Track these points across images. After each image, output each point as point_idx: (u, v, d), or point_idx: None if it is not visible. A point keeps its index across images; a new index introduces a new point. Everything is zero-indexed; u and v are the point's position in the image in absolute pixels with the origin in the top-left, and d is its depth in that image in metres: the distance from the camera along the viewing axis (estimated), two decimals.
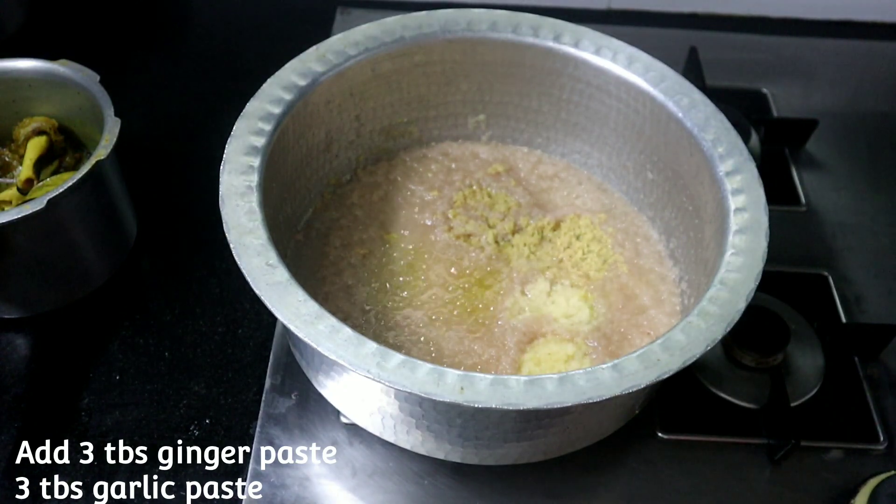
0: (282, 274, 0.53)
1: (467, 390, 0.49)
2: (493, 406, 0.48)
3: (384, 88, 0.71)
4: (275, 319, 0.70)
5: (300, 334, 0.50)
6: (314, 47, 0.67)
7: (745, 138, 0.64)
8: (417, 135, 0.77)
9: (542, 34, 0.70)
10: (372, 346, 0.50)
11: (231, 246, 0.54)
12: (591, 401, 0.49)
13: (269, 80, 0.64)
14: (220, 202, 0.56)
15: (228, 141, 0.60)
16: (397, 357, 0.50)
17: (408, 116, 0.75)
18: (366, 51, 0.67)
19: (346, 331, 0.51)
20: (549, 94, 0.73)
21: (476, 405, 0.48)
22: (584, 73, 0.70)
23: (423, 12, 0.70)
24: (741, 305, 0.53)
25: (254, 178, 0.58)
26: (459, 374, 0.49)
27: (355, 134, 0.73)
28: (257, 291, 0.52)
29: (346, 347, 0.50)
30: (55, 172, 0.74)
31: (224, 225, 0.55)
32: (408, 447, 0.60)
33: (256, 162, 0.59)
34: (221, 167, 0.58)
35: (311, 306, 0.52)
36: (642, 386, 0.49)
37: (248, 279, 0.52)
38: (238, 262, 0.53)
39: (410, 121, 0.75)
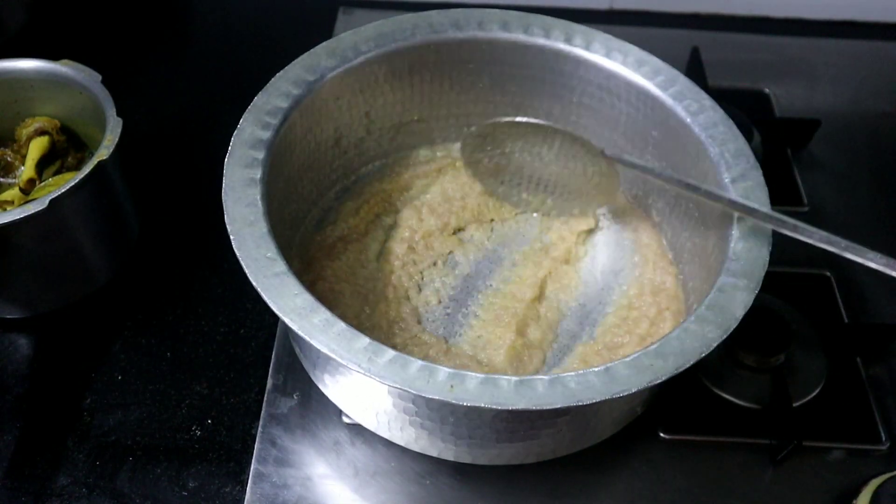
0: (280, 266, 0.53)
1: (457, 388, 0.49)
2: (482, 405, 0.48)
3: (395, 86, 0.71)
4: (276, 319, 0.71)
5: (294, 326, 0.50)
6: (325, 43, 0.67)
7: (748, 139, 0.64)
8: (428, 133, 0.76)
9: (554, 35, 0.70)
10: (364, 340, 0.50)
11: (231, 237, 0.54)
12: (580, 404, 0.49)
13: (278, 74, 0.64)
14: (223, 193, 0.56)
15: (234, 133, 0.60)
16: (389, 353, 0.50)
17: (418, 115, 0.75)
18: (377, 48, 0.68)
19: (340, 325, 0.51)
20: (559, 97, 0.73)
21: (465, 403, 0.48)
22: (595, 75, 0.70)
23: (435, 11, 0.70)
24: (739, 314, 0.53)
25: (258, 172, 0.58)
26: (450, 372, 0.49)
27: (365, 131, 0.73)
28: (254, 282, 0.52)
29: (339, 341, 0.50)
30: (57, 172, 0.74)
31: (225, 215, 0.55)
32: (402, 444, 0.60)
33: (261, 155, 0.59)
34: (226, 159, 0.58)
35: (307, 299, 0.52)
36: (633, 391, 0.49)
37: (246, 270, 0.53)
38: (237, 253, 0.53)
39: (421, 119, 0.75)
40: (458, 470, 0.62)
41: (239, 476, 0.63)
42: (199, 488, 0.62)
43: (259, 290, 0.52)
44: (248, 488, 0.62)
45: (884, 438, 0.66)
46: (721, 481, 0.64)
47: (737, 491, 0.63)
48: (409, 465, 0.63)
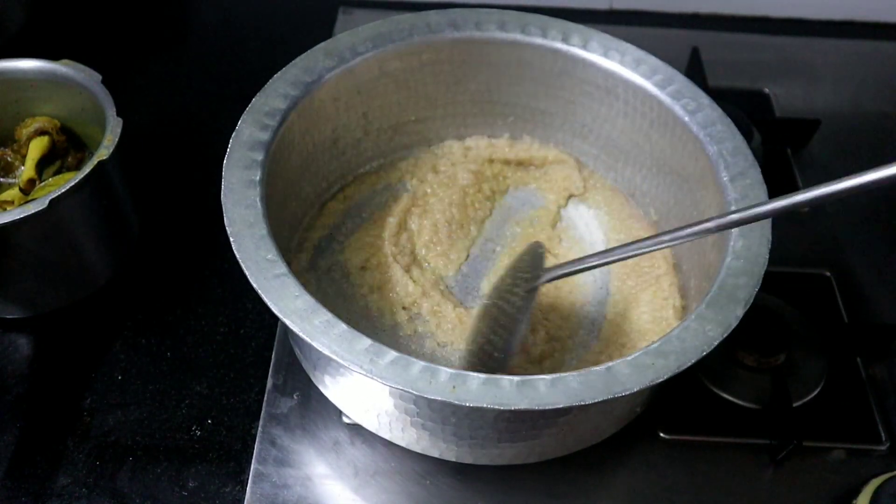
0: (280, 268, 0.53)
1: (459, 389, 0.49)
2: (485, 406, 0.48)
3: (392, 86, 0.71)
4: (276, 319, 0.71)
5: (295, 329, 0.50)
6: (322, 44, 0.67)
7: (748, 138, 0.64)
8: (425, 133, 0.77)
9: (551, 35, 0.70)
10: (366, 342, 0.50)
11: (231, 239, 0.54)
12: (583, 403, 0.49)
13: (276, 76, 0.64)
14: (222, 195, 0.56)
15: (233, 135, 0.60)
16: (391, 354, 0.50)
17: (416, 115, 0.75)
18: (374, 48, 0.68)
19: (341, 326, 0.51)
20: (556, 96, 0.73)
21: (467, 404, 0.48)
22: (593, 75, 0.70)
23: (432, 11, 0.70)
24: (739, 312, 0.53)
25: (257, 173, 0.58)
26: (452, 373, 0.49)
27: (362, 132, 0.73)
28: (254, 284, 0.52)
29: (340, 343, 0.50)
30: (57, 172, 0.74)
31: (225, 218, 0.55)
32: (403, 444, 0.60)
33: (260, 157, 0.59)
34: (225, 161, 0.58)
35: (307, 301, 0.52)
36: (635, 390, 0.49)
37: (246, 272, 0.53)
38: (237, 255, 0.53)
39: (418, 119, 0.75)
40: (459, 470, 0.62)
41: (239, 476, 0.63)
42: (199, 488, 0.62)
43: (260, 292, 0.52)
44: (248, 488, 0.62)
45: (884, 438, 0.66)
46: (721, 481, 0.64)
47: (737, 491, 0.63)
48: (409, 465, 0.63)
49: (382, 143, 0.75)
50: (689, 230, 0.52)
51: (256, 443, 0.64)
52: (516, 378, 0.49)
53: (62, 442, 0.64)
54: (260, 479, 0.62)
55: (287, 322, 0.51)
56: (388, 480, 0.62)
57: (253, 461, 0.63)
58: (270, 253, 0.54)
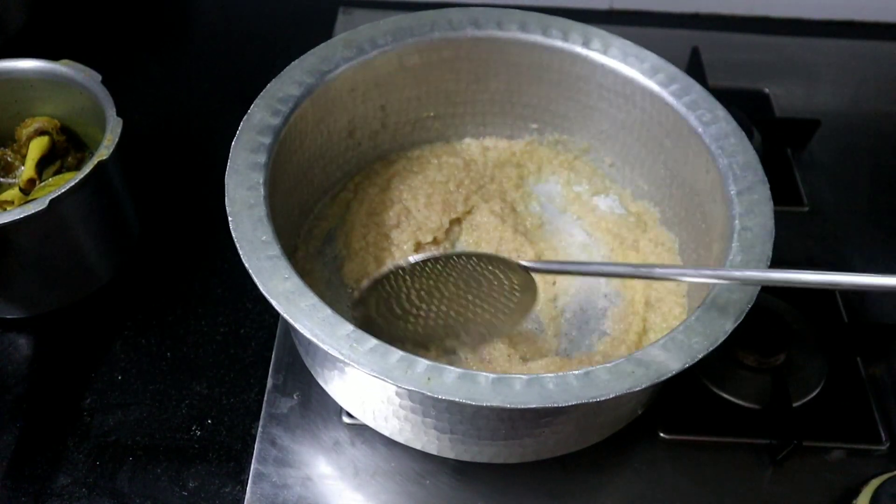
0: (273, 250, 0.53)
1: (434, 381, 0.49)
2: (456, 400, 0.48)
3: (411, 81, 0.71)
4: (276, 319, 0.71)
5: (280, 309, 0.51)
6: (343, 34, 0.67)
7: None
8: (444, 130, 0.77)
9: (572, 38, 0.69)
10: (348, 327, 0.50)
11: (229, 218, 0.55)
12: (556, 405, 0.49)
13: (293, 63, 0.65)
14: (226, 175, 0.57)
15: (244, 118, 0.60)
16: (371, 341, 0.50)
17: (434, 111, 0.75)
18: (394, 41, 0.68)
19: (326, 310, 0.51)
20: (575, 100, 0.73)
21: (438, 396, 0.48)
22: (612, 81, 0.69)
23: (455, 8, 0.70)
24: (728, 327, 0.53)
25: (263, 156, 0.59)
26: (429, 365, 0.49)
27: (380, 124, 0.73)
28: (246, 263, 0.52)
29: (323, 327, 0.50)
30: (57, 172, 0.74)
31: (226, 197, 0.56)
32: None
33: (268, 140, 0.60)
34: (233, 142, 0.59)
35: (296, 283, 0.52)
36: (610, 396, 0.49)
37: (240, 251, 0.53)
38: (233, 234, 0.54)
39: (437, 115, 0.75)
40: (458, 470, 0.62)
41: (239, 476, 0.63)
42: (199, 488, 0.62)
43: (250, 271, 0.52)
44: (248, 488, 0.62)
45: (884, 438, 0.66)
46: (721, 481, 0.64)
47: (736, 491, 0.63)
48: (409, 465, 0.63)
49: (401, 136, 0.75)
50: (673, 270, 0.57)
51: (256, 443, 0.64)
52: (492, 375, 0.49)
53: (62, 442, 0.64)
54: (260, 479, 0.62)
55: (273, 302, 0.51)
56: (388, 480, 0.62)
57: (253, 461, 0.63)
58: (266, 235, 0.54)
